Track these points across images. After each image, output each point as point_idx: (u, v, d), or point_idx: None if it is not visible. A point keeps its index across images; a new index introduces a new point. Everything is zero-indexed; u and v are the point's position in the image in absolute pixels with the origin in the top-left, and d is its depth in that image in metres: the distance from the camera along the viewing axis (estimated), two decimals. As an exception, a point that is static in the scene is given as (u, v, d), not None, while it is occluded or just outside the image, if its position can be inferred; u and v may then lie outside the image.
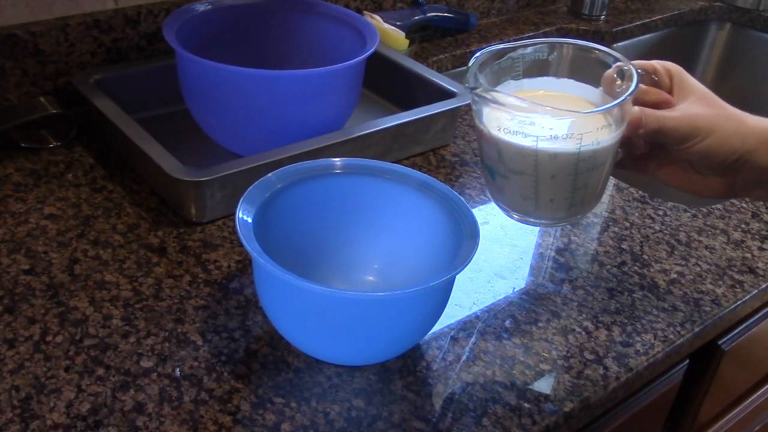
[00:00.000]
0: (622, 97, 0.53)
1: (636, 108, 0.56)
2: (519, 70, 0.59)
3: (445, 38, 1.16)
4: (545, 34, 1.23)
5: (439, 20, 1.14)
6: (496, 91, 0.53)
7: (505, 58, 0.58)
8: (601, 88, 0.58)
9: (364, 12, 1.04)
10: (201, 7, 0.83)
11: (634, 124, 0.56)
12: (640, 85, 0.55)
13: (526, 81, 0.59)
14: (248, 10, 0.88)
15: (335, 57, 0.79)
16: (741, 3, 1.40)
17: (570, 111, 0.54)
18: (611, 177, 0.84)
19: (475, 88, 0.53)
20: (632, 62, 0.57)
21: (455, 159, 0.85)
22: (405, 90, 0.92)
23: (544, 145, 0.53)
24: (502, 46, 0.58)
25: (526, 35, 1.21)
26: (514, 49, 0.58)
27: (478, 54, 0.56)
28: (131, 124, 0.75)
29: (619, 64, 0.56)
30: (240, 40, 0.88)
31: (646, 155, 0.60)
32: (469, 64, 0.55)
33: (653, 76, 0.59)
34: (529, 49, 0.58)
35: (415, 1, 1.12)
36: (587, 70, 0.58)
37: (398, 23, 1.04)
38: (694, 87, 0.58)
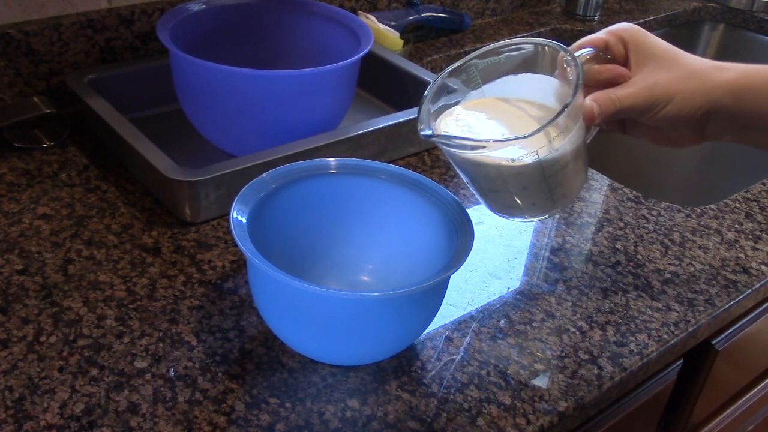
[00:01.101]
0: (564, 107, 0.51)
1: (588, 100, 0.55)
2: (477, 80, 0.58)
3: (439, 38, 1.16)
4: (539, 35, 1.23)
5: (433, 20, 1.14)
6: (445, 136, 0.54)
7: (460, 76, 0.58)
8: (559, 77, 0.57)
9: (359, 12, 1.04)
10: (195, 7, 0.83)
11: (588, 119, 0.55)
12: (593, 66, 0.55)
13: (486, 87, 0.59)
14: (242, 9, 0.87)
15: (330, 57, 0.79)
16: (734, 4, 1.40)
17: (512, 140, 0.53)
18: (607, 176, 0.85)
19: (429, 135, 0.53)
20: (584, 39, 0.56)
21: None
22: (399, 90, 0.92)
23: (505, 166, 0.53)
24: (455, 66, 0.57)
25: (521, 35, 1.21)
26: (465, 66, 0.57)
27: (426, 92, 0.56)
28: (125, 124, 0.75)
29: (561, 54, 0.55)
30: (234, 40, 0.88)
31: (619, 123, 0.60)
32: (421, 102, 0.56)
33: (607, 56, 0.58)
34: (484, 60, 0.58)
35: (409, 1, 1.12)
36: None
37: (393, 23, 1.04)
38: (651, 50, 0.56)
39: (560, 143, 0.53)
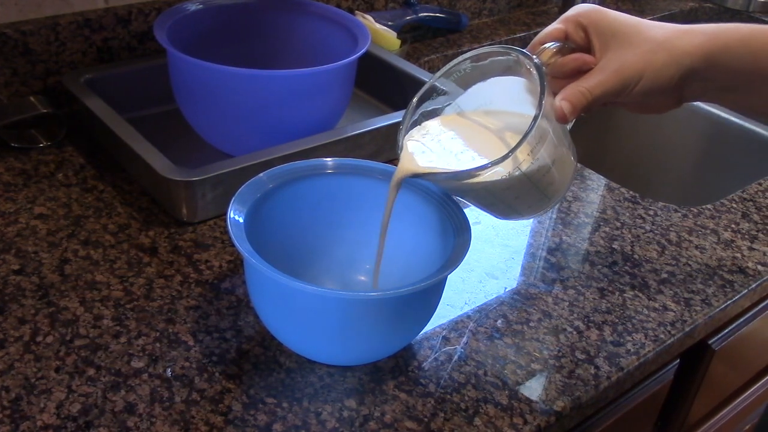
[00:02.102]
0: (530, 126, 0.50)
1: (558, 100, 0.53)
2: (449, 97, 0.58)
3: (436, 38, 1.16)
4: (537, 35, 1.23)
5: (430, 20, 1.14)
6: (424, 174, 0.54)
7: (431, 98, 0.57)
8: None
9: (356, 12, 1.04)
10: (192, 7, 0.83)
11: (561, 120, 0.54)
12: (558, 59, 0.54)
13: (460, 100, 0.58)
14: (240, 9, 0.87)
15: (327, 57, 0.79)
16: (731, 4, 1.41)
17: (489, 166, 0.51)
18: (604, 177, 0.85)
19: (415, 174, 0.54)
20: (542, 34, 0.55)
21: (447, 159, 0.85)
22: (397, 90, 0.92)
23: (491, 183, 0.53)
24: (422, 92, 0.57)
25: (518, 35, 1.21)
26: (433, 91, 0.57)
27: (401, 125, 0.56)
28: (122, 124, 0.74)
29: (526, 61, 0.54)
30: (231, 40, 0.88)
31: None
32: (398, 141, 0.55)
33: (570, 45, 0.56)
34: (453, 76, 0.57)
35: (406, 1, 1.12)
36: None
37: (390, 23, 1.04)
38: (611, 29, 0.55)
39: (539, 152, 0.52)
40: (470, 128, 0.57)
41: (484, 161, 0.52)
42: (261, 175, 0.59)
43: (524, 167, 0.52)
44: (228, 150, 0.80)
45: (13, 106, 0.80)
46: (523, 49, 0.55)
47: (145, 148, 0.71)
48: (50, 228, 0.69)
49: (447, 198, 0.59)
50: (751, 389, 0.97)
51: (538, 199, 0.56)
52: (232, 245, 0.65)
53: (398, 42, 1.01)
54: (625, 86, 0.54)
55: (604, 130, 1.26)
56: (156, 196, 0.73)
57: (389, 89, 0.94)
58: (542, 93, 0.51)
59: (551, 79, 0.56)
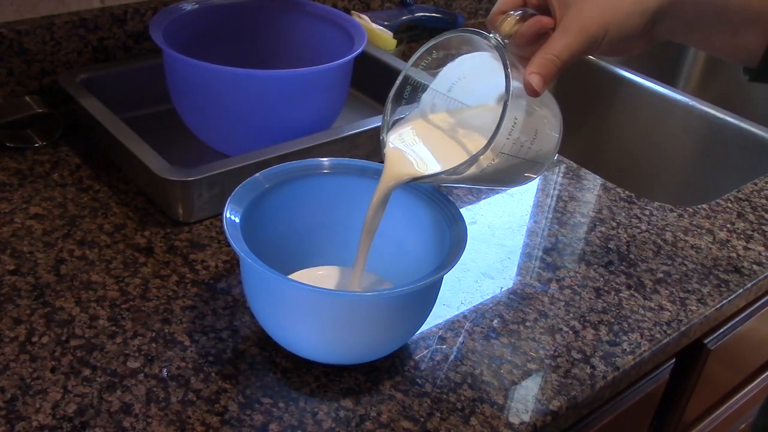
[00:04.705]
0: (497, 127, 0.49)
1: (526, 74, 0.51)
2: (416, 96, 0.57)
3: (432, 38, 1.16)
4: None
5: (426, 20, 1.14)
6: (416, 179, 0.54)
7: (405, 90, 0.56)
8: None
9: (352, 12, 1.04)
10: (188, 6, 0.83)
11: (533, 94, 0.51)
12: (520, 28, 0.52)
13: (435, 84, 0.57)
14: (235, 9, 0.87)
15: (323, 57, 0.79)
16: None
17: (468, 164, 0.51)
18: (600, 176, 0.85)
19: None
20: (499, 4, 0.53)
21: (443, 159, 0.85)
22: (393, 90, 0.92)
23: (480, 173, 0.52)
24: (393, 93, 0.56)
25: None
26: (407, 83, 0.56)
27: (383, 122, 0.56)
28: (118, 124, 0.74)
29: (484, 43, 0.52)
30: (227, 40, 0.88)
31: None
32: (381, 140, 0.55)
33: (530, 11, 0.54)
34: (421, 66, 0.56)
35: (402, 1, 1.12)
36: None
37: (386, 23, 1.04)
38: None
39: (518, 132, 0.51)
40: (446, 125, 0.57)
41: (465, 157, 0.52)
42: (257, 174, 0.59)
43: (507, 149, 0.51)
44: (224, 150, 0.80)
45: (9, 105, 0.80)
46: (481, 30, 0.53)
47: (141, 148, 0.71)
48: (46, 228, 0.69)
49: (444, 199, 0.59)
50: (747, 389, 0.97)
51: (531, 166, 0.55)
52: (228, 245, 0.65)
53: (394, 42, 1.01)
54: (593, 43, 0.52)
55: (600, 130, 1.26)
56: (152, 196, 0.73)
57: (385, 89, 0.93)
58: (507, 78, 0.49)
59: (518, 50, 0.54)
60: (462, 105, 0.57)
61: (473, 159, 0.50)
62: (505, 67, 0.50)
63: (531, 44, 0.53)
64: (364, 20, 1.00)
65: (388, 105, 0.56)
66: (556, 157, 0.57)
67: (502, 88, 0.49)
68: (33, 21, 0.83)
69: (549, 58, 0.51)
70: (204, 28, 0.85)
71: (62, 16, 0.84)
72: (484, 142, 0.50)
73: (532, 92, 0.51)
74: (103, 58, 0.88)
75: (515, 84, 0.50)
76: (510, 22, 0.53)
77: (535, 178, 0.58)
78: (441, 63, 0.56)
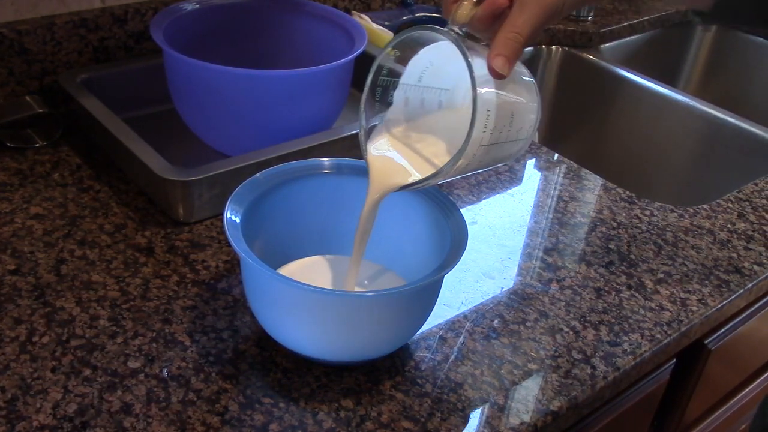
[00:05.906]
0: (471, 125, 0.48)
1: (490, 58, 0.49)
2: (388, 95, 0.56)
3: (433, 38, 1.16)
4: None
5: (427, 20, 1.14)
6: (403, 185, 0.54)
7: (378, 100, 0.56)
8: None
9: (353, 12, 1.04)
10: (189, 6, 0.83)
11: (499, 77, 0.50)
12: (477, 12, 0.50)
13: (404, 78, 0.56)
14: (236, 9, 0.87)
15: (324, 57, 0.79)
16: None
17: (441, 171, 0.51)
18: (601, 177, 0.85)
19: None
20: None
21: (443, 159, 0.85)
22: (393, 90, 0.92)
23: (466, 165, 0.51)
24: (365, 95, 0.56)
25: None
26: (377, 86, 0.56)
27: (360, 125, 0.55)
28: (118, 124, 0.74)
29: (441, 37, 0.51)
30: (228, 40, 0.88)
31: None
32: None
33: None
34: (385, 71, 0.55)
35: (403, 1, 1.12)
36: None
37: (387, 23, 1.04)
38: None
39: (493, 122, 0.50)
40: (424, 126, 0.56)
41: (447, 158, 0.51)
42: (257, 175, 0.59)
43: (486, 141, 0.50)
44: (224, 150, 0.80)
45: (9, 105, 0.80)
46: (437, 24, 0.52)
47: (141, 148, 0.71)
48: (46, 228, 0.69)
49: (445, 199, 0.59)
50: (747, 389, 0.97)
51: (515, 145, 0.55)
52: (229, 245, 0.65)
53: (395, 42, 1.01)
54: (554, 12, 0.50)
55: (600, 130, 1.26)
56: (152, 196, 0.73)
57: (386, 89, 0.94)
58: (470, 70, 0.48)
59: (479, 35, 0.52)
60: (437, 89, 0.56)
61: (455, 159, 0.50)
62: (466, 58, 0.48)
63: (489, 27, 0.51)
64: (364, 20, 1.00)
65: (362, 114, 0.56)
66: (541, 117, 0.55)
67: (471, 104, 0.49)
68: (33, 21, 0.83)
69: (511, 36, 0.49)
70: (204, 28, 0.85)
71: (63, 16, 0.84)
72: (463, 139, 0.49)
73: (498, 75, 0.49)
74: (104, 58, 0.88)
75: (480, 72, 0.49)
76: (465, 8, 0.51)
77: (527, 146, 0.57)
78: (405, 60, 0.55)
